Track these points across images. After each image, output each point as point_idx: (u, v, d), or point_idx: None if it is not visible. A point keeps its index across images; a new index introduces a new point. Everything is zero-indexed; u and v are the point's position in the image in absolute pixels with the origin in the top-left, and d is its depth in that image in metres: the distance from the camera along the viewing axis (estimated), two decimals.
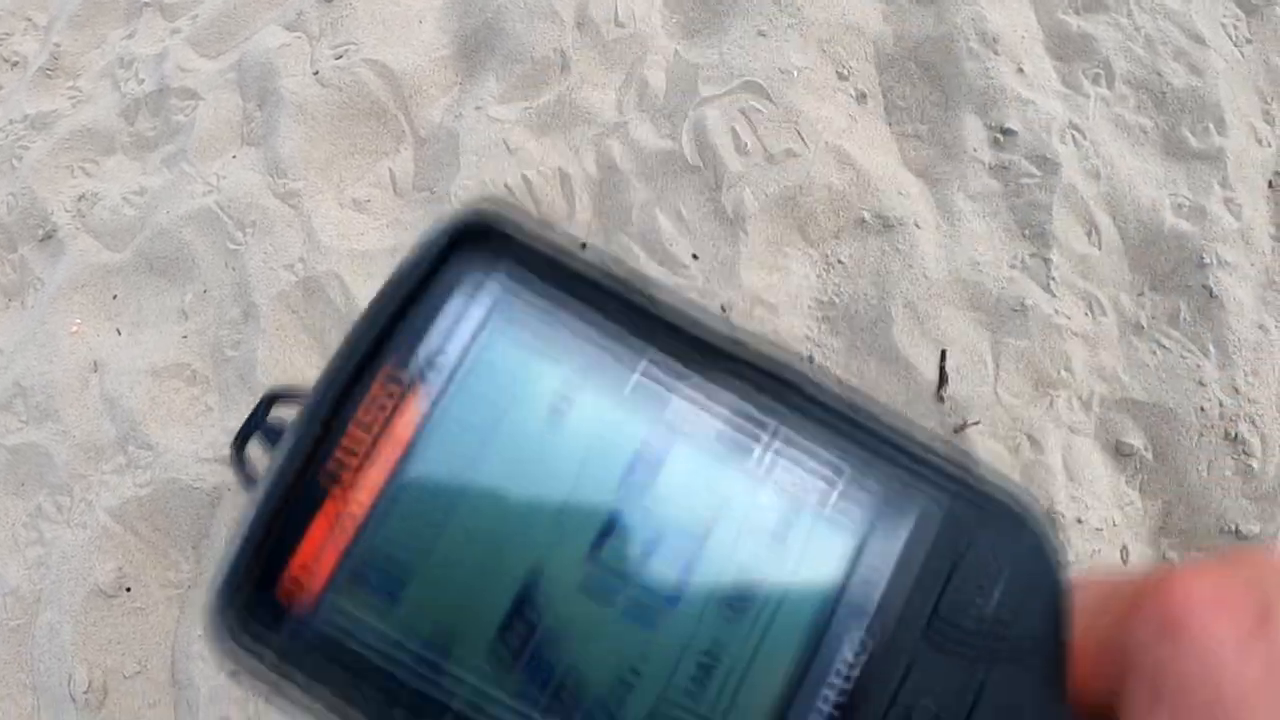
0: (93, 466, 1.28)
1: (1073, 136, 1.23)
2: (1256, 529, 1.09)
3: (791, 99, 1.23)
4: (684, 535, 0.15)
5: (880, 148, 1.25)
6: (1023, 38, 1.29)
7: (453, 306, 0.16)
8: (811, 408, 0.16)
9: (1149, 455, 1.12)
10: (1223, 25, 1.30)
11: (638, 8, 1.32)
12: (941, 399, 1.10)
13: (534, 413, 0.15)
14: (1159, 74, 1.26)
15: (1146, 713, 0.15)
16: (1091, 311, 1.16)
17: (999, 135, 1.23)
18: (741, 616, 0.15)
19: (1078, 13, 1.30)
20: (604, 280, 0.17)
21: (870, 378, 1.13)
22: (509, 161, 1.23)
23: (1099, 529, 1.08)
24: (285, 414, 1.07)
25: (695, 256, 1.17)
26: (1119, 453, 1.12)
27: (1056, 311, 1.15)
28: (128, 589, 1.23)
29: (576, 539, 0.15)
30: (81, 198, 1.42)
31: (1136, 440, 1.13)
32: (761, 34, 1.27)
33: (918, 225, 1.18)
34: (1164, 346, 1.16)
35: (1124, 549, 1.09)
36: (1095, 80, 1.27)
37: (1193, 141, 1.23)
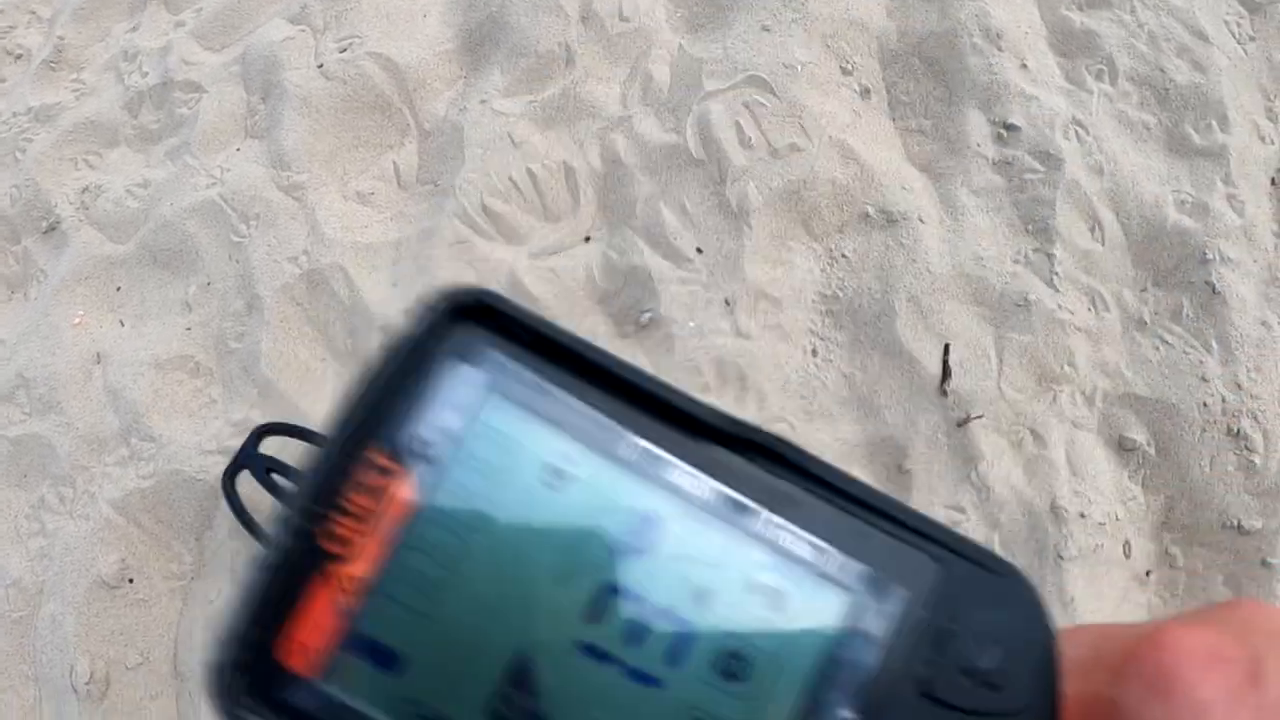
0: (95, 458, 1.28)
1: (1076, 132, 1.23)
2: (1259, 524, 1.09)
3: (795, 94, 1.23)
4: (676, 604, 0.16)
5: (884, 143, 1.25)
6: (1026, 34, 1.29)
7: (444, 383, 0.16)
8: (799, 478, 0.17)
9: (1152, 450, 1.12)
10: (1226, 23, 1.30)
11: (642, 2, 1.32)
12: (945, 393, 1.11)
13: (525, 488, 0.15)
14: (1162, 70, 1.26)
15: None
16: (1095, 307, 1.17)
17: (1002, 131, 1.23)
18: (735, 683, 0.15)
19: (1081, 9, 1.30)
20: (590, 355, 0.17)
21: (874, 372, 1.13)
22: (514, 155, 1.23)
23: (1101, 524, 1.08)
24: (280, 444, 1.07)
25: (699, 250, 1.17)
26: (1122, 448, 1.13)
27: (1060, 306, 1.15)
28: (130, 580, 1.23)
29: (569, 611, 0.15)
30: (85, 190, 1.42)
31: (1139, 435, 1.13)
32: (765, 29, 1.27)
33: (921, 220, 1.18)
34: (1167, 342, 1.16)
35: (1126, 544, 1.09)
36: (1098, 76, 1.27)
37: (1195, 138, 1.23)
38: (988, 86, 1.25)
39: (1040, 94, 1.24)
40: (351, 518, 0.15)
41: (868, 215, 1.19)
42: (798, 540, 0.16)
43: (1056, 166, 1.20)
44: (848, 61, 1.29)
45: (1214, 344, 1.15)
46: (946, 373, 1.12)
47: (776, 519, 0.16)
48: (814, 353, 1.14)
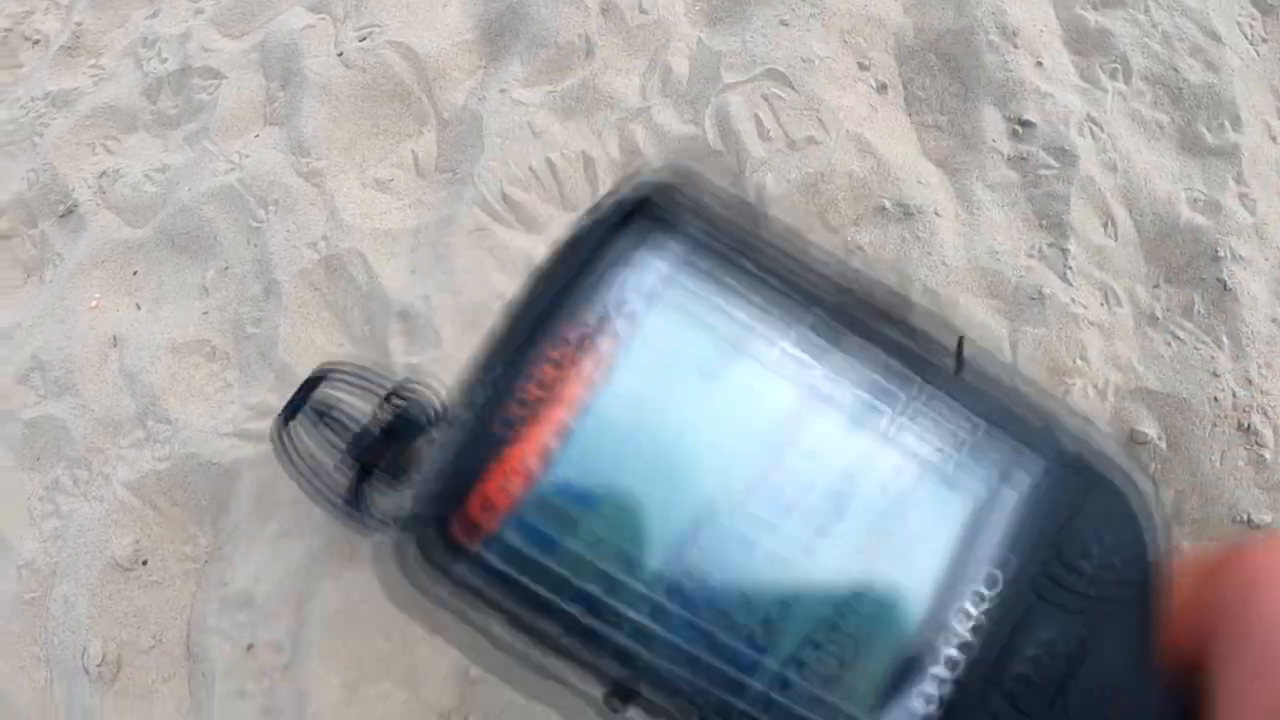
0: (111, 440, 1.28)
1: (1090, 130, 1.24)
2: (1269, 518, 1.10)
3: (813, 87, 1.24)
4: (826, 487, 0.17)
5: (900, 137, 1.26)
6: (1041, 32, 1.30)
7: (627, 266, 0.17)
8: (942, 375, 0.18)
9: (1162, 444, 1.13)
10: (1238, 24, 1.32)
11: None
12: None
13: (696, 371, 0.17)
14: (1176, 70, 1.27)
15: (1231, 666, 0.17)
16: (1107, 302, 1.18)
17: (1018, 127, 1.24)
18: (875, 562, 0.17)
19: (1096, 8, 1.32)
20: (767, 250, 0.18)
21: None
22: (533, 144, 1.23)
23: None
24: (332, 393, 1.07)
25: None
26: (1133, 441, 1.14)
27: (1073, 301, 1.16)
28: (144, 563, 1.23)
29: (731, 487, 0.16)
30: (103, 174, 1.42)
31: (1150, 429, 1.14)
32: (784, 23, 1.28)
33: (937, 214, 1.19)
34: (1178, 338, 1.17)
35: None
36: (1113, 75, 1.28)
37: (1208, 137, 1.25)
38: (1003, 83, 1.26)
39: (1055, 91, 1.25)
40: (532, 395, 0.16)
41: (884, 208, 1.21)
42: (935, 436, 0.18)
43: (1071, 163, 1.21)
44: (865, 57, 1.30)
45: (1225, 340, 1.16)
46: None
47: (917, 415, 0.18)
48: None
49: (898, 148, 1.24)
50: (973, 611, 0.17)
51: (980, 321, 1.16)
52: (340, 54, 1.35)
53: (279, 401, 1.23)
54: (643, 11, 1.31)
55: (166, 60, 1.47)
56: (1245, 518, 1.11)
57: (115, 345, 1.32)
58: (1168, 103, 1.27)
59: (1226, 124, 1.25)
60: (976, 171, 1.23)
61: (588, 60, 1.29)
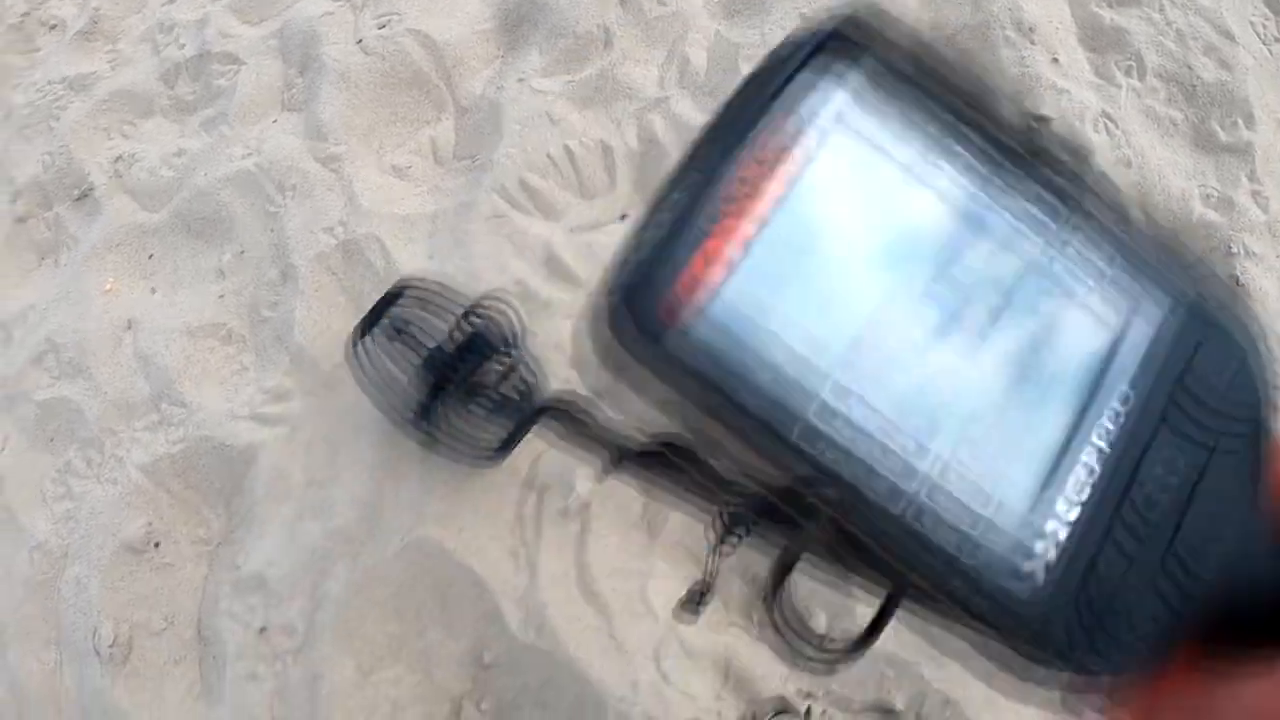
0: (124, 423, 1.28)
1: (1105, 126, 1.25)
2: None
3: None
4: (984, 301, 0.19)
5: None
6: (1057, 28, 1.31)
7: (816, 91, 0.19)
8: (1088, 216, 0.20)
9: None
10: (1252, 24, 1.33)
11: None
12: None
13: (874, 189, 0.18)
14: (1189, 68, 1.28)
15: None
16: None
17: (1033, 122, 1.25)
18: (1026, 373, 0.18)
19: (1111, 6, 1.33)
20: (944, 84, 0.20)
21: None
22: (552, 132, 1.24)
23: None
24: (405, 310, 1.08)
25: None
26: None
27: None
28: (156, 545, 1.23)
29: (899, 296, 0.18)
30: (119, 159, 1.43)
31: None
32: (803, 16, 1.29)
33: None
34: None
35: None
36: (1127, 72, 1.29)
37: (1221, 135, 1.26)
38: (1019, 79, 1.27)
39: (1071, 87, 1.26)
40: (732, 195, 0.17)
41: None
42: (1088, 258, 0.20)
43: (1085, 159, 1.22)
44: None
45: None
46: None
47: (1074, 238, 0.20)
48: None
49: None
50: (1109, 427, 0.18)
51: None
52: (359, 41, 1.36)
53: (294, 385, 1.23)
54: (661, 3, 1.32)
55: (184, 46, 1.47)
56: None
57: (130, 328, 1.32)
58: (1181, 100, 1.28)
59: (1240, 122, 1.26)
60: None
61: (606, 50, 1.30)
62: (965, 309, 0.18)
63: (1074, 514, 0.18)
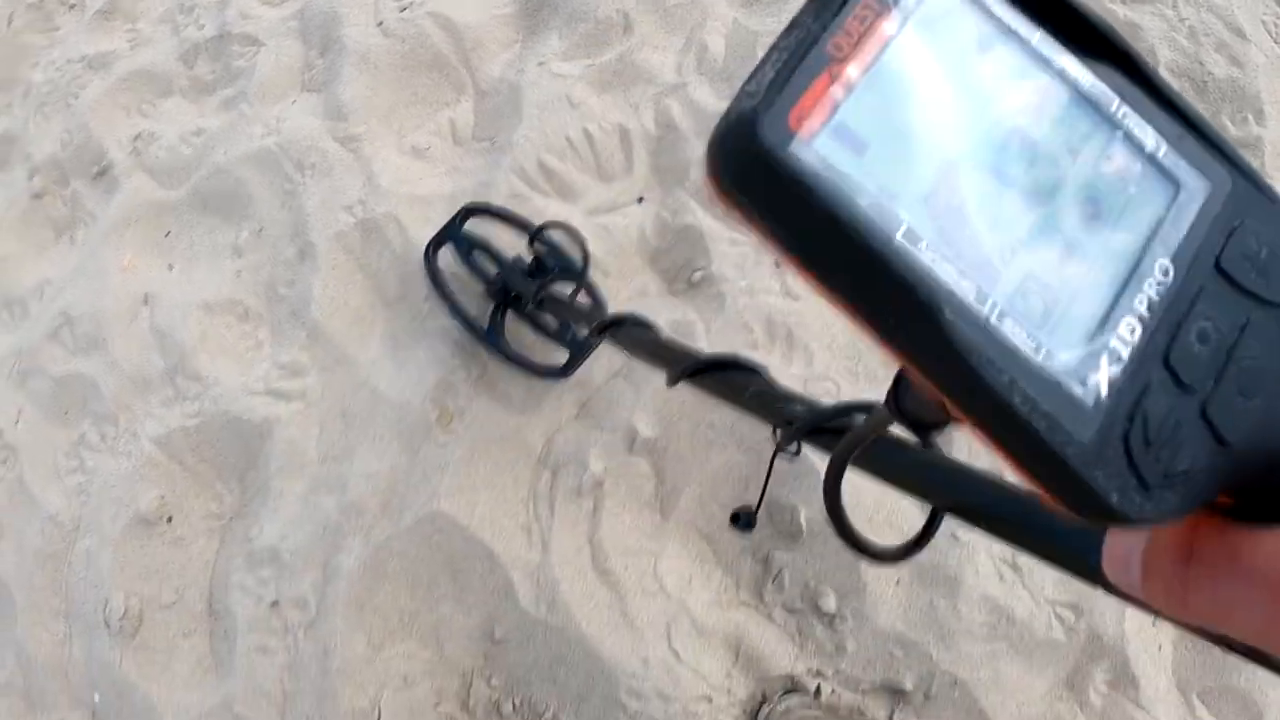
0: (139, 397, 1.28)
1: None
2: None
3: None
4: (1060, 147, 0.21)
5: None
6: None
7: None
8: (1155, 88, 0.22)
9: None
10: (1263, 22, 1.35)
11: None
12: None
13: (968, 45, 0.21)
14: (1201, 64, 1.30)
15: None
16: None
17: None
18: (1096, 217, 0.21)
19: (1124, 2, 1.34)
20: None
21: None
22: (571, 115, 1.25)
23: None
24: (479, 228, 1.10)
25: None
26: None
27: None
28: (169, 519, 1.23)
29: (986, 140, 0.20)
30: (138, 137, 1.43)
31: None
32: None
33: None
34: None
35: None
36: None
37: (1232, 130, 1.27)
38: None
39: None
40: (845, 34, 0.19)
41: None
42: (1147, 130, 0.22)
43: None
44: None
45: None
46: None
47: (1133, 112, 0.22)
48: None
49: None
50: (1169, 266, 0.20)
51: None
52: (380, 23, 1.37)
53: (310, 360, 1.24)
54: None
55: (204, 26, 1.48)
56: None
57: (146, 304, 1.33)
58: (1192, 95, 1.29)
59: (1250, 117, 1.27)
60: None
61: (625, 36, 1.31)
62: (1043, 153, 0.20)
63: (1125, 352, 0.19)
